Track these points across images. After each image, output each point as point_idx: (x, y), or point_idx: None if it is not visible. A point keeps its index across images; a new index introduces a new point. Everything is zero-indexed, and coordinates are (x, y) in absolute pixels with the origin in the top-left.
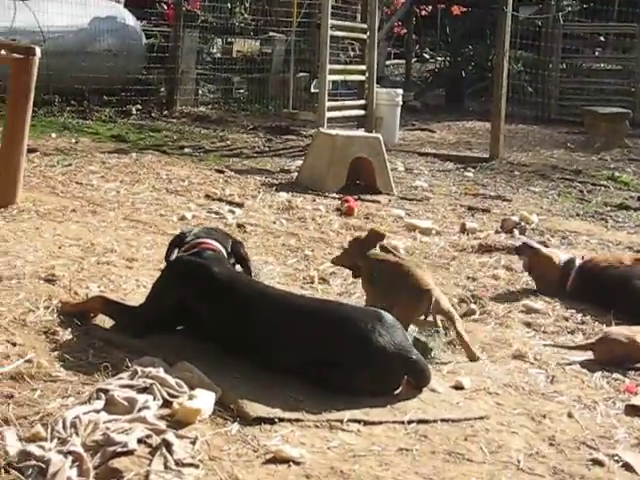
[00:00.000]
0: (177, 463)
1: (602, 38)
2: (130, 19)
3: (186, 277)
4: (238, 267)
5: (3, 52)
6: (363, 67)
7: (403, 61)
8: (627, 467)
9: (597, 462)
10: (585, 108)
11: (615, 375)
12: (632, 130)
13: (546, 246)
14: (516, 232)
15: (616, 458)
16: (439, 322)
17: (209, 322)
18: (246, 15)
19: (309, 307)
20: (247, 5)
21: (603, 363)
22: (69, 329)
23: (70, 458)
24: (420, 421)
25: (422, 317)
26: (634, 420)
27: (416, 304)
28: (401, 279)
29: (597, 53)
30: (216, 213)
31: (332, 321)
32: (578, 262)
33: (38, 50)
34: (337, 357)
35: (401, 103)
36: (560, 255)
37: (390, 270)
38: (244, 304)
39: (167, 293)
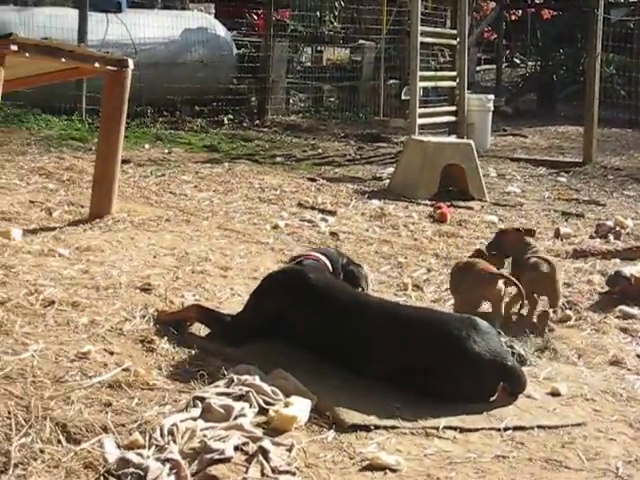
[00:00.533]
0: (274, 470)
1: None
2: (221, 30)
3: (284, 286)
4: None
5: (97, 65)
6: (453, 73)
7: (494, 66)
8: None
9: None
10: None
11: None
12: None
13: None
14: (611, 237)
15: None
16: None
17: (304, 329)
18: (335, 23)
19: (404, 314)
20: (336, 13)
21: None
22: (165, 338)
23: (168, 465)
24: (516, 428)
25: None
26: None
27: (479, 289)
28: (466, 273)
29: None
30: (309, 221)
31: (427, 328)
32: None
33: (131, 62)
34: (432, 364)
35: (492, 109)
36: None
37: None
38: (339, 310)
39: (266, 302)
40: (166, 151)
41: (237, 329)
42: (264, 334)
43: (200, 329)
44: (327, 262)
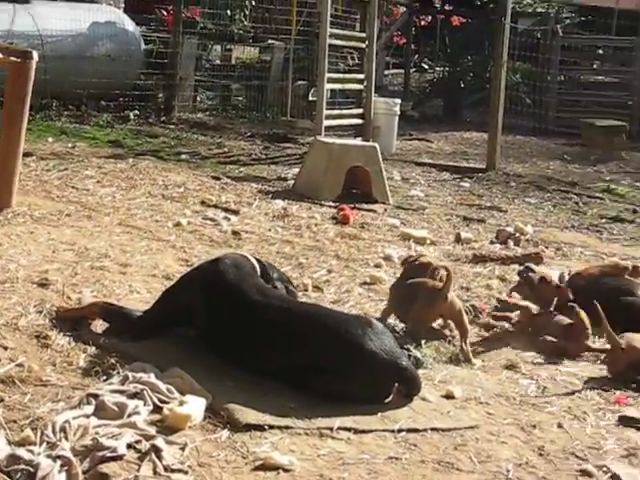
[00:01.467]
0: (166, 469)
1: (600, 51)
2: (129, 24)
3: (195, 281)
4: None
5: (0, 55)
6: (361, 76)
7: (402, 71)
8: (615, 478)
9: (586, 473)
10: (582, 120)
11: (605, 386)
12: (628, 143)
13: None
14: (511, 243)
15: (605, 469)
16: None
17: (208, 325)
18: (246, 22)
19: (301, 312)
20: (247, 12)
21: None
22: (61, 334)
23: (59, 462)
24: (410, 430)
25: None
26: (623, 431)
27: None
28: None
29: (595, 66)
30: (211, 220)
31: (323, 326)
32: (566, 277)
33: (35, 54)
34: (328, 363)
35: (399, 113)
36: (551, 273)
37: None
38: (241, 307)
39: (175, 298)
40: (70, 145)
41: (144, 325)
42: (170, 330)
43: (97, 326)
44: (254, 262)
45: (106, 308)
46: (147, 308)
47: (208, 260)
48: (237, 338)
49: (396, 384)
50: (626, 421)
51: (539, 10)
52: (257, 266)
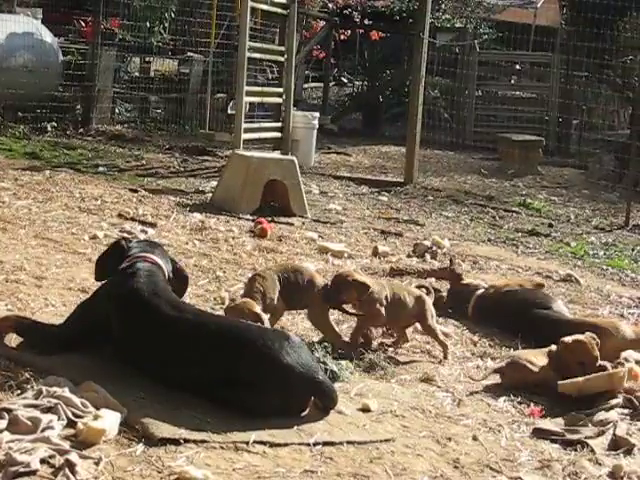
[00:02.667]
0: None
1: (517, 66)
2: (47, 35)
3: (110, 294)
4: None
5: None
6: (280, 90)
7: (321, 84)
8: None
9: None
10: (499, 135)
11: (520, 399)
12: (544, 158)
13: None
14: (428, 256)
15: None
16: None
17: (123, 338)
18: (165, 35)
19: (216, 325)
20: (166, 25)
21: (510, 387)
22: None
23: None
24: (326, 443)
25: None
26: (538, 443)
27: None
28: None
29: (512, 81)
30: (128, 233)
31: (238, 340)
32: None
33: None
34: (244, 376)
35: (317, 126)
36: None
37: None
38: (156, 321)
39: (91, 310)
40: None
41: (58, 338)
42: (86, 344)
43: (12, 339)
44: (162, 265)
45: (19, 321)
46: (61, 321)
47: (122, 271)
48: (152, 352)
49: (312, 397)
50: (540, 433)
51: (457, 25)
52: (165, 269)
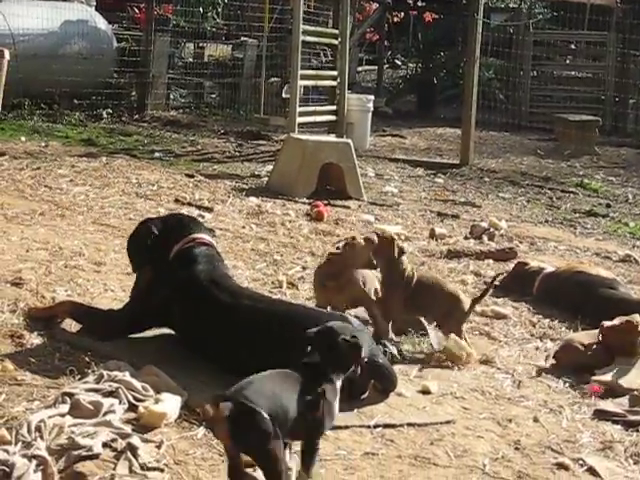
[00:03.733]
0: (142, 467)
1: (573, 46)
2: (101, 22)
3: (170, 278)
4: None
5: None
6: (334, 73)
7: (375, 67)
8: (591, 471)
9: (562, 466)
10: (555, 115)
11: (580, 380)
12: (601, 138)
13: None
14: (485, 238)
15: (580, 462)
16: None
17: (184, 323)
18: (218, 20)
19: (278, 312)
20: (219, 10)
21: (565, 369)
22: (35, 333)
23: (34, 462)
24: (386, 425)
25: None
26: (599, 425)
27: None
28: None
29: (568, 61)
30: None
31: (300, 326)
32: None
33: (7, 52)
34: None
35: (372, 109)
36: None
37: None
38: (217, 305)
39: (155, 295)
40: (43, 144)
41: (117, 323)
42: (144, 329)
43: (71, 325)
44: (215, 244)
45: (74, 307)
46: (119, 307)
47: (179, 255)
48: (214, 338)
49: (372, 380)
50: (601, 414)
51: (512, 5)
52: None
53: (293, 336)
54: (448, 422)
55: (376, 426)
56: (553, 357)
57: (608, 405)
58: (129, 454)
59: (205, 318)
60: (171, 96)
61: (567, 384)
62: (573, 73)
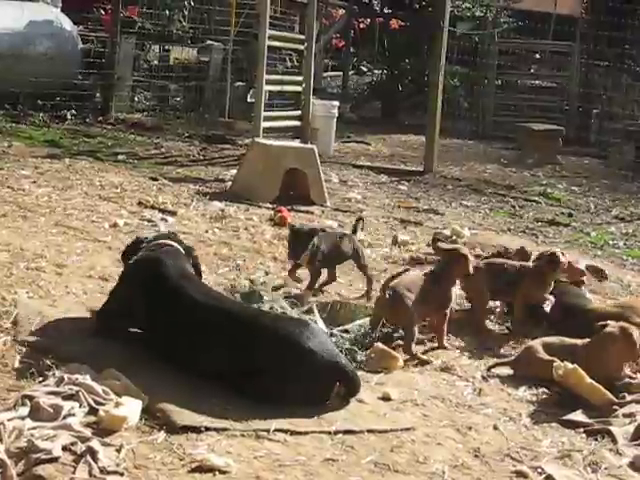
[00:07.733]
0: (102, 471)
1: (537, 55)
2: (66, 23)
3: (136, 274)
4: None
5: None
6: (300, 78)
7: (340, 73)
8: (550, 479)
9: (521, 474)
10: (519, 124)
11: (541, 389)
12: (564, 147)
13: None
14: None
15: (539, 470)
16: None
17: (147, 322)
18: (184, 23)
19: (241, 313)
20: (185, 13)
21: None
22: None
23: None
24: (347, 431)
25: None
26: (558, 433)
27: None
28: None
29: (532, 70)
30: (148, 221)
31: (263, 328)
32: None
33: None
34: (268, 365)
35: (337, 115)
36: None
37: None
38: (183, 305)
39: (121, 291)
40: (5, 144)
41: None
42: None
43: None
44: (180, 249)
45: None
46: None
47: (147, 257)
48: (175, 338)
49: (337, 384)
50: (568, 424)
51: (477, 14)
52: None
53: (257, 338)
54: (408, 429)
55: (336, 432)
56: (512, 365)
57: (578, 416)
58: (89, 458)
59: (167, 317)
60: (136, 98)
61: (527, 392)
62: (537, 82)
